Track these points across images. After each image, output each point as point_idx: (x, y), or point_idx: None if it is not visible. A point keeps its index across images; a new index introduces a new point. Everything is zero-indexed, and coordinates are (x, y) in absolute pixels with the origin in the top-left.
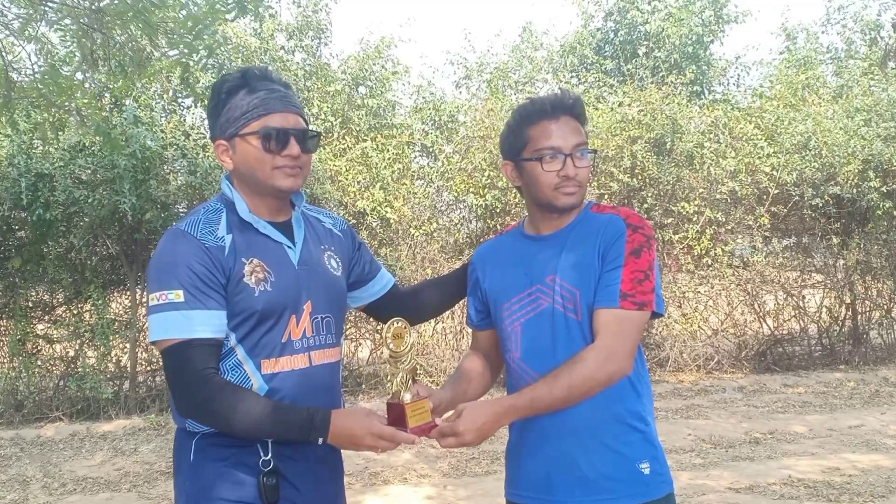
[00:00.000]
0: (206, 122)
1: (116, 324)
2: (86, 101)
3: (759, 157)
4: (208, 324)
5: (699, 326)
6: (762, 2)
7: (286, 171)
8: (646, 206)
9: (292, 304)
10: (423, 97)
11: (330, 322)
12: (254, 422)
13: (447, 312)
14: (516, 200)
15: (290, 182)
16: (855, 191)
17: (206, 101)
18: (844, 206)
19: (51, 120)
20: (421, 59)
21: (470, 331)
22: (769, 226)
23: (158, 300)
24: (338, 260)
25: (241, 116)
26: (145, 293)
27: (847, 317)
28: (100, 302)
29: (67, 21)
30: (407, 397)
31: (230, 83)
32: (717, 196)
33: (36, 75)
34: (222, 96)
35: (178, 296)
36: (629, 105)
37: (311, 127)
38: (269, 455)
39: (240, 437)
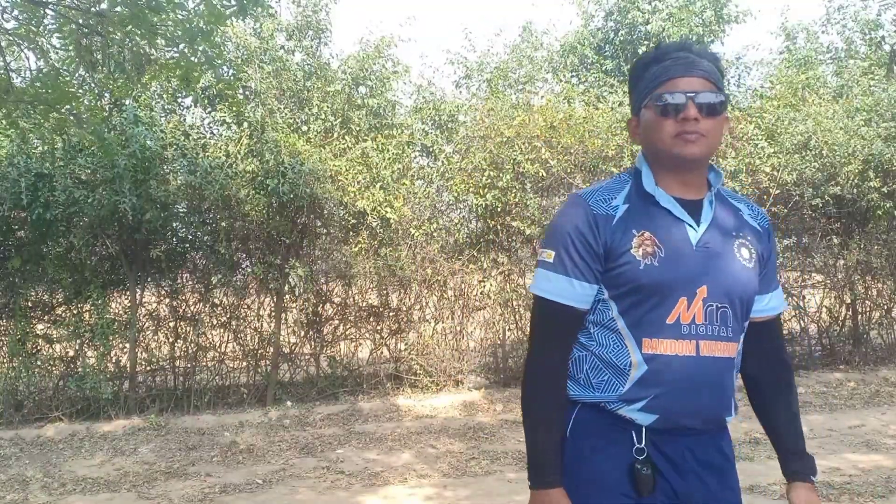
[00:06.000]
0: (205, 120)
1: (116, 324)
2: (86, 102)
3: (760, 157)
4: (565, 290)
5: None
6: (762, 2)
7: (684, 136)
8: None
9: (683, 285)
10: (424, 97)
11: (726, 313)
12: (528, 423)
13: (447, 312)
14: (516, 200)
15: (690, 149)
16: (855, 191)
17: (205, 101)
18: (845, 206)
19: (49, 124)
20: (421, 58)
21: (469, 332)
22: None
23: (540, 256)
24: (752, 251)
25: (644, 88)
26: (145, 293)
27: (847, 317)
28: (99, 302)
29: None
30: None
31: (643, 60)
32: None
33: (36, 75)
34: (636, 73)
35: (549, 256)
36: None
37: (711, 91)
38: (644, 443)
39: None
